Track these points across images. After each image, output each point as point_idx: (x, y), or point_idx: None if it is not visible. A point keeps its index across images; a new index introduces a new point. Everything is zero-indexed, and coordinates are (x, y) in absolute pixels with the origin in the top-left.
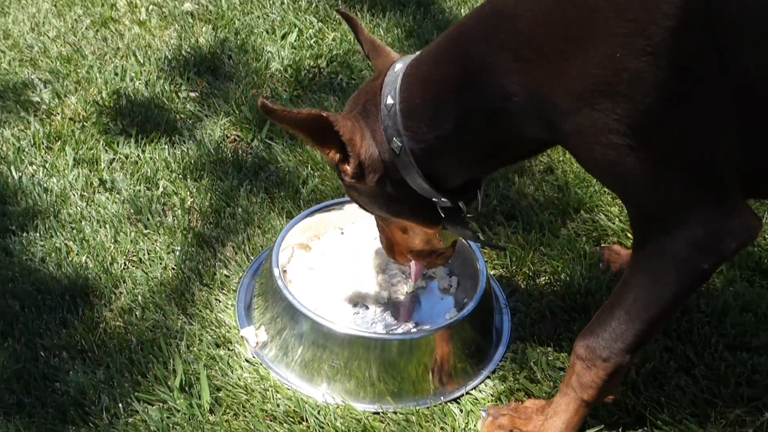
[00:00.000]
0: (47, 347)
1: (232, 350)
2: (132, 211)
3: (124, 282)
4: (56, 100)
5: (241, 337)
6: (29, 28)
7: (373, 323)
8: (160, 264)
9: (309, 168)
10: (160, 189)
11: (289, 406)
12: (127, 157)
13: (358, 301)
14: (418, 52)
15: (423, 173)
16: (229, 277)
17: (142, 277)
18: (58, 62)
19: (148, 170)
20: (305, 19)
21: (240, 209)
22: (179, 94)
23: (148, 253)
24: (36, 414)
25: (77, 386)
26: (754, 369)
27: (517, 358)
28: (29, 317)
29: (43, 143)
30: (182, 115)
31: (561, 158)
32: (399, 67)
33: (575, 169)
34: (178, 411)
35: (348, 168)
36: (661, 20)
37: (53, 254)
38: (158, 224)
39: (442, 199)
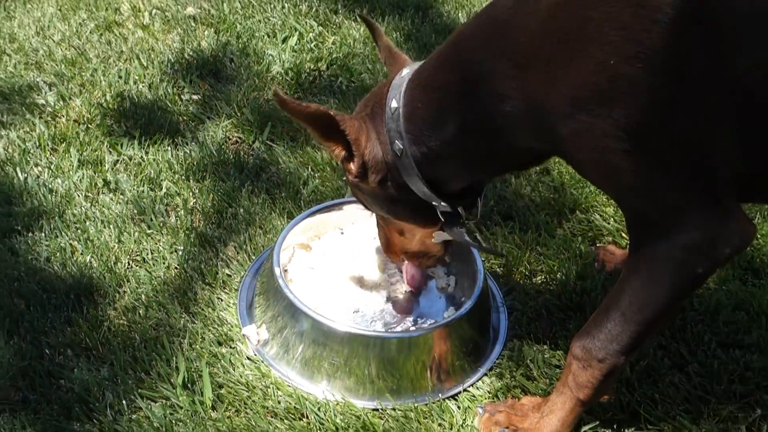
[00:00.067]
0: (52, 345)
1: (233, 348)
2: (135, 211)
3: (128, 281)
4: (61, 102)
5: (243, 335)
6: (34, 32)
7: (372, 322)
8: (163, 263)
9: (309, 169)
10: (163, 190)
11: (290, 403)
12: (130, 159)
13: (358, 299)
14: (426, 59)
15: (423, 177)
16: (230, 276)
17: (145, 277)
18: (62, 65)
19: (152, 171)
20: (306, 23)
21: (242, 210)
22: (182, 96)
23: (152, 253)
24: (41, 410)
25: (82, 383)
26: (746, 366)
27: (514, 356)
28: (35, 316)
29: (48, 145)
30: (185, 117)
31: (557, 160)
32: (406, 72)
33: (571, 171)
34: (181, 408)
35: (352, 167)
36: (654, 27)
37: (58, 254)
38: (161, 224)
39: (442, 203)
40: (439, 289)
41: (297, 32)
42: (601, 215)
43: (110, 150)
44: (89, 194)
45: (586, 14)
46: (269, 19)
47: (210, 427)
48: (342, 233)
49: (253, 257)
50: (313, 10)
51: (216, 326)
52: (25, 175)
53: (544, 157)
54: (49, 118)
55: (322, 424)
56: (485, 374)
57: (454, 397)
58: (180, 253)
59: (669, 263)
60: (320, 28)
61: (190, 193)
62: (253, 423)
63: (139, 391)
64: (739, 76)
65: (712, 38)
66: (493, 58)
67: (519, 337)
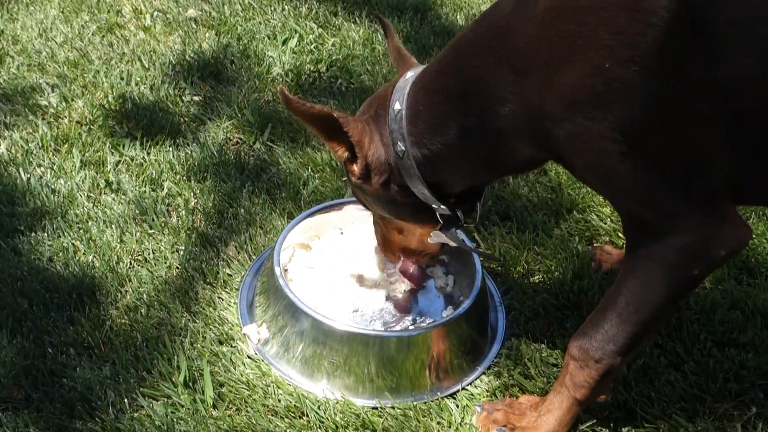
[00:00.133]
0: (55, 344)
1: (234, 347)
2: (137, 211)
3: (130, 281)
4: (64, 103)
5: (244, 334)
6: (37, 34)
7: (371, 321)
8: (165, 263)
9: (309, 170)
10: (165, 190)
11: (290, 402)
12: (132, 159)
13: (357, 299)
14: (429, 62)
15: (424, 179)
16: (231, 276)
17: (147, 276)
18: (65, 67)
19: (153, 172)
20: (305, 25)
21: (242, 210)
22: (183, 98)
23: (153, 253)
24: (44, 409)
25: (84, 382)
26: (741, 365)
27: (512, 355)
28: (37, 315)
29: (50, 146)
30: (186, 119)
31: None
32: (410, 75)
33: (568, 172)
34: (182, 406)
35: (355, 168)
36: (649, 31)
37: (61, 254)
38: (163, 224)
39: (441, 206)
40: (437, 289)
41: (297, 34)
42: (597, 215)
43: (112, 151)
44: (91, 194)
45: (581, 19)
46: (269, 21)
47: (211, 426)
48: (341, 233)
49: (254, 257)
50: (313, 12)
51: (217, 325)
52: (28, 175)
53: (541, 163)
54: (51, 120)
55: (322, 423)
56: (483, 373)
57: (452, 395)
58: (181, 252)
59: (665, 265)
60: (320, 30)
61: (192, 194)
62: (254, 421)
63: (141, 389)
64: (731, 79)
65: (705, 42)
66: (492, 64)
67: (517, 336)
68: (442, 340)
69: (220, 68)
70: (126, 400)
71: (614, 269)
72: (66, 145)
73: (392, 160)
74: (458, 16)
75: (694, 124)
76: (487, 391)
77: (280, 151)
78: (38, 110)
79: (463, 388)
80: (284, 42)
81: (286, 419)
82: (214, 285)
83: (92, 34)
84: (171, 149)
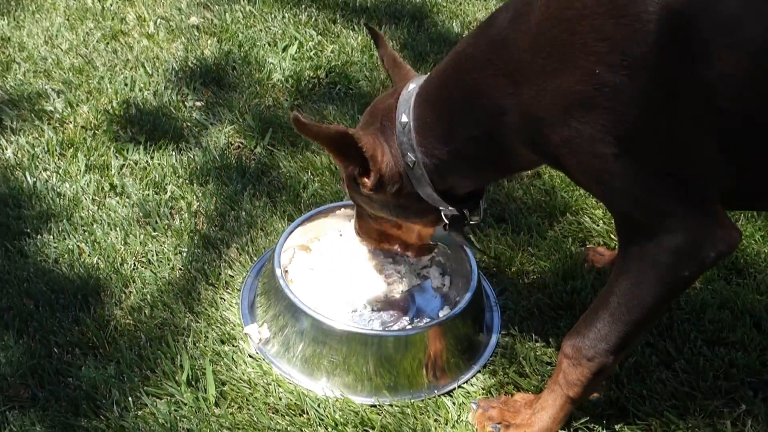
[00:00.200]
0: (60, 344)
1: (236, 346)
2: (141, 214)
3: (134, 282)
4: (69, 109)
5: (245, 334)
6: (43, 41)
7: (370, 321)
8: (168, 265)
9: (309, 173)
10: (168, 193)
11: (291, 400)
12: (136, 163)
13: (356, 299)
14: (429, 73)
15: (433, 185)
16: (233, 277)
17: (150, 277)
18: (70, 73)
19: (157, 176)
20: (305, 32)
21: (244, 212)
22: (186, 103)
23: (157, 255)
24: (50, 407)
25: (89, 381)
26: (731, 363)
27: (507, 354)
28: (43, 315)
29: (56, 150)
30: (189, 124)
31: None
32: (412, 87)
33: (561, 174)
34: (185, 404)
35: (368, 181)
36: (635, 36)
37: (66, 255)
38: (166, 227)
39: (449, 207)
40: (434, 289)
41: (297, 41)
42: (590, 217)
43: (116, 155)
44: (96, 198)
45: (572, 28)
46: (270, 29)
47: (213, 423)
48: (341, 235)
49: (255, 258)
50: (313, 19)
51: (219, 325)
52: (34, 179)
53: (540, 162)
54: (57, 125)
55: (322, 420)
56: (479, 371)
57: (449, 393)
58: (184, 254)
59: (656, 266)
60: (319, 37)
61: (194, 197)
62: (255, 419)
63: (145, 388)
64: (718, 82)
65: (692, 45)
66: (492, 76)
67: (512, 335)
68: (439, 340)
69: (222, 74)
70: (130, 399)
71: (607, 270)
72: (71, 150)
73: (402, 170)
74: (454, 24)
75: (684, 126)
76: (483, 389)
77: (280, 155)
78: (44, 115)
79: (459, 386)
80: (284, 49)
81: (286, 417)
82: (216, 286)
83: (97, 41)
84: (174, 153)
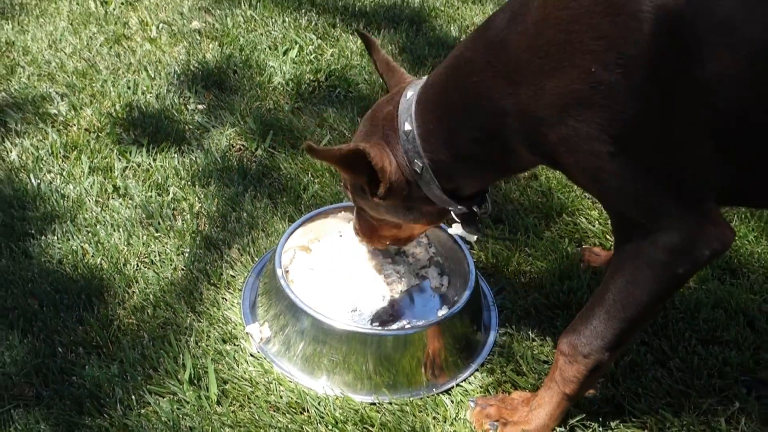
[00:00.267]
0: (64, 343)
1: (237, 345)
2: (144, 215)
3: (137, 282)
4: (72, 112)
5: (246, 333)
6: (47, 45)
7: (369, 320)
8: (171, 265)
9: (309, 175)
10: (170, 195)
11: (292, 398)
12: (139, 165)
13: (356, 299)
14: (425, 78)
15: (442, 187)
16: (234, 277)
17: (153, 278)
18: (74, 77)
19: (159, 177)
20: (305, 36)
21: (245, 214)
22: (188, 106)
23: (159, 255)
24: (54, 406)
25: (93, 380)
26: (725, 361)
27: (504, 352)
28: (48, 315)
29: (60, 152)
30: (191, 126)
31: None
32: (410, 94)
33: (558, 176)
34: (188, 402)
35: (378, 191)
36: (631, 35)
37: (70, 256)
38: (168, 228)
39: (458, 207)
40: (432, 289)
41: (297, 45)
42: (586, 218)
43: (119, 157)
44: (99, 199)
45: (568, 28)
46: (270, 33)
47: (215, 422)
48: (341, 236)
49: (256, 259)
50: (313, 23)
51: (221, 325)
52: (39, 181)
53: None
54: (61, 127)
55: (322, 418)
56: (477, 370)
57: (447, 391)
58: (186, 255)
59: (651, 264)
60: (319, 41)
61: (196, 198)
62: (257, 417)
63: (148, 386)
64: (713, 81)
65: (687, 44)
66: (491, 78)
67: (509, 334)
68: (438, 339)
69: (224, 78)
70: (133, 397)
71: (602, 270)
72: (75, 152)
73: (410, 177)
74: (452, 28)
75: (680, 126)
76: (481, 387)
77: (281, 157)
78: (48, 118)
79: (457, 385)
80: (285, 52)
81: (287, 415)
82: (217, 286)
83: (100, 45)
84: (176, 156)
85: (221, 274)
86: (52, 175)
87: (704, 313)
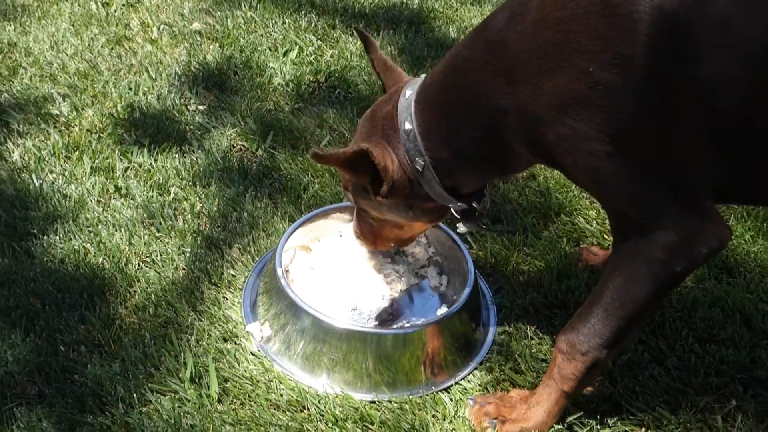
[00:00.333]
0: (67, 342)
1: (238, 344)
2: (145, 215)
3: (138, 281)
4: (74, 112)
5: (247, 332)
6: (49, 46)
7: (369, 319)
8: (172, 264)
9: (309, 175)
10: (172, 195)
11: (292, 396)
12: (140, 166)
13: (356, 298)
14: (422, 77)
15: (443, 185)
16: (235, 276)
17: (154, 277)
18: (76, 78)
19: (160, 178)
20: (305, 37)
21: (246, 214)
22: (189, 107)
23: (161, 255)
24: (56, 404)
25: (95, 378)
26: (721, 360)
27: (503, 351)
28: (50, 314)
29: (62, 153)
30: (191, 127)
31: (543, 166)
32: (409, 93)
33: (556, 176)
34: (189, 401)
35: (380, 190)
36: (627, 36)
37: (72, 256)
38: (170, 228)
39: (459, 204)
40: (432, 288)
41: (297, 46)
42: (584, 218)
43: (121, 157)
44: (101, 199)
45: (565, 28)
46: (271, 34)
47: (216, 419)
48: (340, 235)
49: (257, 258)
50: (312, 25)
51: (222, 324)
52: (41, 181)
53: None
54: (63, 128)
55: (323, 416)
56: (476, 368)
57: (446, 389)
58: (187, 254)
59: (649, 262)
60: (319, 42)
61: (197, 198)
62: (257, 415)
63: (149, 385)
64: (710, 81)
65: (683, 45)
66: (490, 77)
67: (507, 333)
68: (437, 337)
69: (224, 79)
70: (135, 395)
71: (600, 269)
72: (77, 153)
73: (411, 175)
74: (450, 29)
75: (677, 126)
76: (480, 385)
77: (281, 158)
78: (50, 119)
79: (456, 383)
80: (285, 54)
81: (288, 413)
82: (218, 285)
83: (101, 47)
84: (177, 156)
85: (222, 274)
86: (54, 175)
87: (701, 312)
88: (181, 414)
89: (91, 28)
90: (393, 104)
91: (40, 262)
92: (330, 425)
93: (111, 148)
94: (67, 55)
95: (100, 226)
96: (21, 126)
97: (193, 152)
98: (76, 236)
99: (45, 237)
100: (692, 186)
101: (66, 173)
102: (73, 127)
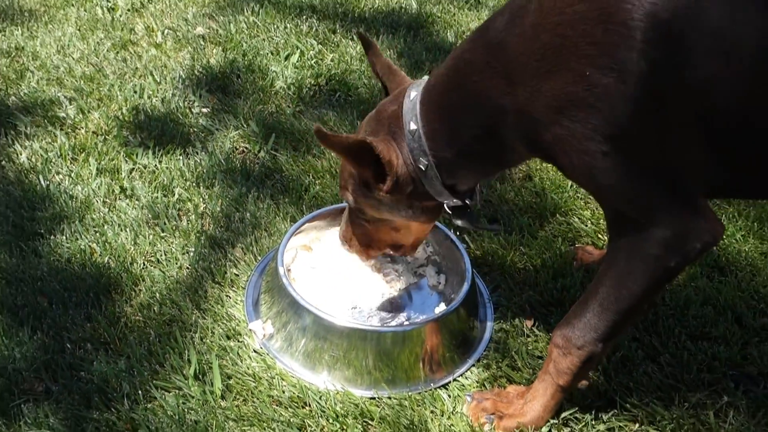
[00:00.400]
0: (73, 340)
1: (241, 342)
2: (150, 216)
3: (143, 280)
4: (80, 115)
5: (250, 330)
6: (55, 51)
7: (369, 317)
8: (176, 264)
9: (311, 176)
10: (176, 196)
11: (294, 393)
12: (145, 167)
13: (356, 296)
14: (426, 78)
15: (443, 183)
16: (238, 275)
17: (159, 276)
18: (82, 81)
19: (165, 179)
20: (306, 41)
21: (248, 214)
22: (192, 109)
23: (165, 254)
24: (63, 400)
25: (100, 375)
26: (713, 357)
27: (500, 348)
28: (57, 313)
29: (68, 155)
30: (195, 129)
31: (538, 167)
32: (414, 94)
33: (552, 177)
34: (193, 397)
35: (384, 185)
36: (622, 41)
37: (78, 255)
38: (174, 228)
39: (453, 200)
40: (430, 287)
41: (298, 50)
42: (579, 218)
43: (126, 159)
44: (107, 200)
45: (563, 32)
46: (273, 38)
47: (219, 415)
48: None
49: (259, 258)
50: (313, 29)
51: (225, 322)
52: (48, 182)
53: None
54: (69, 130)
55: (324, 412)
56: (473, 365)
57: (444, 386)
58: (191, 254)
59: (644, 257)
60: (320, 46)
61: (201, 199)
62: (260, 411)
63: (154, 382)
64: (703, 83)
65: (677, 49)
66: (490, 78)
67: (504, 331)
68: (435, 335)
69: (227, 82)
70: (140, 392)
71: (595, 268)
72: (83, 154)
73: (414, 173)
74: (448, 33)
75: (671, 128)
76: (477, 382)
77: (283, 159)
78: (57, 122)
79: (454, 380)
80: (286, 57)
81: (289, 409)
82: (222, 284)
83: (107, 51)
84: (181, 158)
85: (225, 273)
86: (60, 176)
87: (693, 310)
88: (185, 410)
89: (97, 33)
90: (398, 105)
91: (47, 261)
92: (331, 421)
93: (116, 150)
94: (73, 59)
95: (105, 226)
96: (28, 128)
97: (197, 154)
98: (83, 236)
99: (52, 237)
100: (687, 184)
101: (72, 174)
102: (80, 129)
